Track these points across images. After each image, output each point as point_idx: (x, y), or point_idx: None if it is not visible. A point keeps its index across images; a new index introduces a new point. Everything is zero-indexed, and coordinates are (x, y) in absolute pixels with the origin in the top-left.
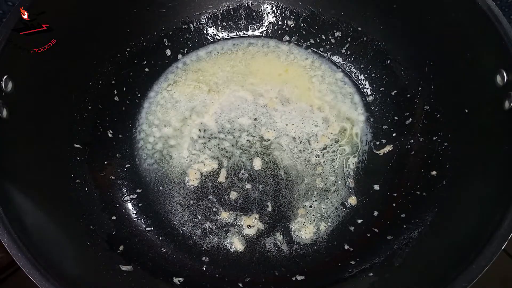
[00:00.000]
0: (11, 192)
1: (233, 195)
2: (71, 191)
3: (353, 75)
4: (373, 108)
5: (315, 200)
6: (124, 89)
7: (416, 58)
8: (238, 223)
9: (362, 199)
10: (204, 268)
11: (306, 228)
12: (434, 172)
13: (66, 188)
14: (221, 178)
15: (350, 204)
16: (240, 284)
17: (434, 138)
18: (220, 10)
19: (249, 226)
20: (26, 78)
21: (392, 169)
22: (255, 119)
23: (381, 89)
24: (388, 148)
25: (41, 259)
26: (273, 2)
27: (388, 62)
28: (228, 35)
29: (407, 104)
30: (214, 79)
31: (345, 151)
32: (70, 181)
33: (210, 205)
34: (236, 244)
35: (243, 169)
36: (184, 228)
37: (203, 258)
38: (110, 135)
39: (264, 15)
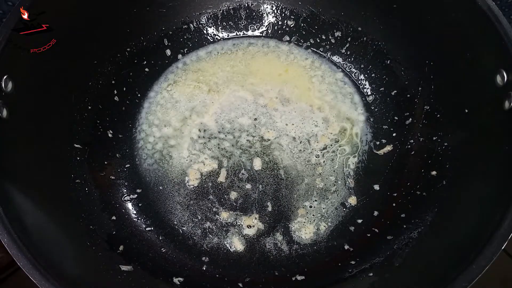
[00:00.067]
0: (11, 192)
1: (233, 195)
2: (71, 191)
3: (353, 75)
4: (373, 108)
5: (315, 200)
6: (124, 89)
7: (416, 58)
8: (238, 223)
9: (362, 199)
10: (204, 268)
11: (306, 228)
12: (434, 172)
13: (66, 188)
14: (221, 178)
15: (350, 204)
16: (240, 284)
17: (434, 138)
18: (220, 10)
19: (249, 226)
20: (26, 78)
21: (392, 169)
22: (255, 119)
23: (381, 89)
24: (388, 148)
25: (41, 259)
26: (273, 2)
27: (388, 62)
28: (228, 35)
29: (407, 104)
30: (214, 79)
31: (345, 151)
32: (70, 181)
33: (210, 205)
34: (236, 244)
35: (243, 169)
36: (184, 228)
37: (203, 258)
38: (110, 135)
39: (264, 15)
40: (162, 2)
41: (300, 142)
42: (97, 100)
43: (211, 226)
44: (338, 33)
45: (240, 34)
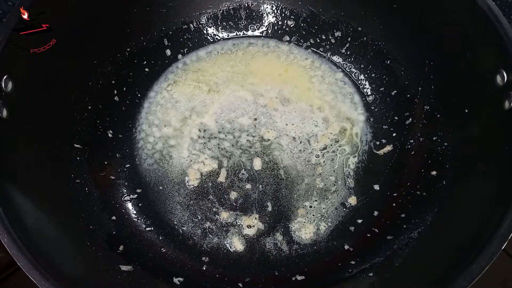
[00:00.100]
0: (11, 192)
1: (233, 195)
2: (71, 191)
3: (353, 75)
4: (373, 108)
5: (315, 200)
6: (124, 89)
7: (416, 58)
8: (238, 223)
9: (362, 199)
10: (204, 268)
11: (306, 228)
12: (434, 172)
13: (66, 188)
14: (221, 178)
15: (350, 204)
16: (240, 284)
17: (434, 138)
18: (220, 10)
19: (249, 226)
20: (26, 78)
21: (392, 169)
22: (255, 119)
23: (381, 89)
24: (388, 148)
25: (41, 259)
26: (273, 2)
27: (388, 62)
28: (228, 35)
29: (407, 104)
30: (214, 79)
31: (345, 151)
32: (70, 181)
33: (210, 205)
34: (236, 244)
35: (243, 169)
36: (184, 228)
37: (203, 258)
38: (110, 135)
39: (264, 15)
40: (162, 2)
41: (300, 142)
42: (97, 100)
43: (211, 226)
44: (338, 33)
45: (240, 34)
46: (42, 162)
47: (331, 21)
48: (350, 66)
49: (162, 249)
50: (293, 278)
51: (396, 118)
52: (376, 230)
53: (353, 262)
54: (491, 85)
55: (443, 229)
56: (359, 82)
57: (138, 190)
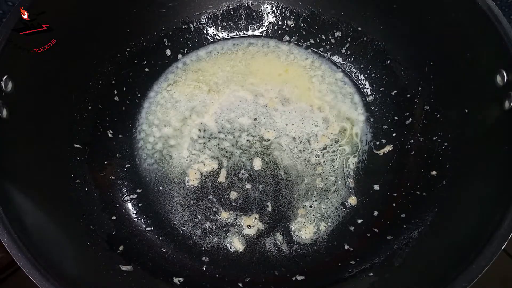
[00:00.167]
0: (11, 192)
1: (233, 195)
2: (71, 191)
3: (353, 75)
4: (373, 108)
5: (315, 200)
6: (124, 89)
7: (416, 58)
8: (238, 223)
9: (362, 199)
10: (204, 268)
11: (306, 228)
12: (434, 172)
13: (66, 188)
14: (221, 178)
15: (350, 204)
16: (240, 284)
17: (434, 138)
18: (220, 10)
19: (249, 226)
20: (26, 78)
21: (392, 169)
22: (255, 119)
23: (381, 89)
24: (388, 148)
25: (41, 259)
26: (273, 2)
27: (388, 62)
28: (228, 35)
29: (407, 104)
30: (214, 79)
31: (345, 151)
32: (70, 181)
33: (210, 205)
34: (236, 244)
35: (243, 169)
36: (184, 228)
37: (203, 258)
38: (110, 135)
39: (264, 15)
40: (162, 2)
41: (300, 142)
42: (97, 100)
43: (211, 226)
44: (338, 33)
45: (240, 34)
46: (42, 162)
47: (331, 21)
48: (350, 66)
49: (162, 249)
50: (293, 278)
51: (396, 118)
52: (376, 230)
53: (353, 262)
54: (491, 85)
55: (443, 229)
56: (359, 82)
57: (138, 190)
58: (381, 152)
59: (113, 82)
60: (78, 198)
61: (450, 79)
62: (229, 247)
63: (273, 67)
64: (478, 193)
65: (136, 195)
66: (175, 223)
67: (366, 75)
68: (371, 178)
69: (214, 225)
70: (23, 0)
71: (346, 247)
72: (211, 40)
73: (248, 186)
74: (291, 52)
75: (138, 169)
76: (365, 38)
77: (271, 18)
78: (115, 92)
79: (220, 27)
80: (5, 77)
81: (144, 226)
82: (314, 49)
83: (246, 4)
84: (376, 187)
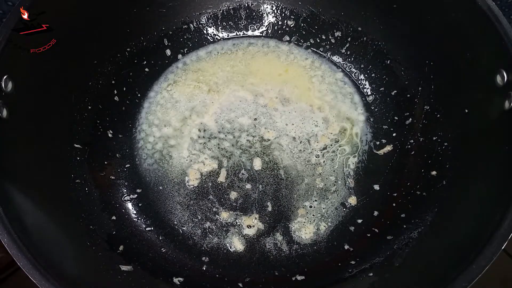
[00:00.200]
0: (11, 192)
1: (233, 195)
2: (71, 191)
3: (353, 75)
4: (373, 108)
5: (315, 200)
6: (124, 89)
7: (416, 58)
8: (238, 223)
9: (362, 199)
10: (204, 268)
11: (306, 228)
12: (434, 172)
13: (66, 188)
14: (221, 178)
15: (350, 204)
16: (240, 284)
17: (434, 138)
18: (220, 10)
19: (249, 226)
20: (26, 78)
21: (392, 169)
22: (255, 119)
23: (381, 89)
24: (388, 148)
25: (41, 259)
26: (273, 2)
27: (388, 62)
28: (228, 35)
29: (407, 104)
30: (214, 79)
31: (345, 151)
32: (70, 181)
33: (210, 205)
34: (236, 244)
35: (243, 169)
36: (184, 228)
37: (203, 258)
38: (110, 135)
39: (264, 15)
40: (162, 2)
41: (300, 142)
42: (97, 100)
43: (211, 226)
44: (338, 33)
45: (240, 34)
46: (42, 162)
47: (331, 21)
48: (350, 66)
49: (162, 249)
50: (293, 278)
51: (396, 118)
52: (376, 230)
53: (353, 262)
54: (491, 85)
55: (443, 229)
56: (359, 82)
57: (138, 190)
58: (381, 152)
59: (113, 82)
60: (78, 198)
61: (450, 79)
62: (229, 247)
63: (273, 67)
64: (478, 193)
65: (136, 195)
66: (175, 223)
67: (366, 75)
68: (371, 178)
69: (214, 225)
70: (23, 0)
71: (346, 247)
72: (211, 40)
73: (248, 186)
74: (291, 52)
75: (138, 169)
76: (365, 38)
77: (271, 18)
78: (115, 92)
79: (220, 27)
80: (5, 77)
81: (144, 226)
82: (314, 49)
83: (246, 4)
84: (376, 187)
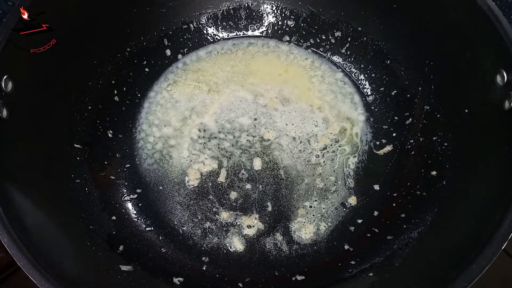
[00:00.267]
0: (11, 192)
1: (233, 195)
2: (71, 191)
3: (353, 75)
4: (373, 108)
5: (315, 200)
6: (124, 89)
7: (416, 58)
8: (238, 223)
9: (362, 199)
10: (204, 268)
11: (306, 228)
12: (434, 172)
13: (66, 188)
14: (221, 178)
15: (350, 204)
16: (240, 284)
17: (434, 138)
18: (220, 10)
19: (249, 226)
20: (26, 78)
21: (392, 169)
22: (255, 119)
23: (381, 89)
24: (388, 148)
25: (41, 259)
26: (273, 2)
27: (388, 62)
28: (228, 35)
29: (407, 104)
30: (214, 79)
31: (345, 151)
32: (70, 181)
33: (210, 205)
34: (236, 244)
35: (243, 169)
36: (184, 228)
37: (203, 258)
38: (110, 135)
39: (264, 15)
40: (162, 2)
41: (300, 142)
42: (97, 100)
43: (211, 226)
44: (338, 33)
45: (240, 34)
46: (42, 162)
47: (331, 21)
48: (350, 66)
49: (162, 249)
50: (293, 278)
51: (396, 118)
52: (376, 230)
53: (353, 262)
54: (491, 85)
55: (443, 229)
56: (359, 82)
57: (138, 190)
58: (381, 152)
59: (113, 82)
60: (78, 198)
61: (450, 79)
62: (229, 247)
63: (273, 67)
64: (478, 193)
65: (136, 195)
66: (175, 223)
67: (366, 75)
68: (371, 178)
69: (214, 225)
70: (23, 0)
71: (346, 247)
72: (211, 40)
73: (248, 186)
74: (291, 52)
75: (138, 169)
76: (365, 38)
77: (271, 18)
78: (115, 92)
79: (220, 27)
80: (5, 77)
81: (144, 226)
82: (314, 49)
83: (246, 4)
84: (376, 187)
